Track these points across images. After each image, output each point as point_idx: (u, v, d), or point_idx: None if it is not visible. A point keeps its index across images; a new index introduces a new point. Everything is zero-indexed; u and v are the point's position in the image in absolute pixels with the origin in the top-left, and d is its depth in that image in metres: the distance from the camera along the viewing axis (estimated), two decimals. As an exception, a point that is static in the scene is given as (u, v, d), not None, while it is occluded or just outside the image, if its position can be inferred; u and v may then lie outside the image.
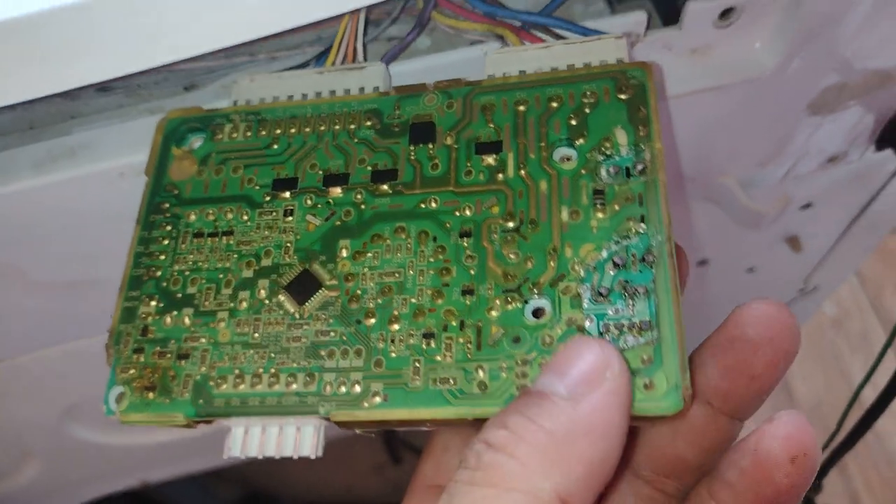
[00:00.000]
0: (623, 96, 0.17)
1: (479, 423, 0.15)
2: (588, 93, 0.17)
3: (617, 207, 0.16)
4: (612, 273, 0.15)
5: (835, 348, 0.70)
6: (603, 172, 0.16)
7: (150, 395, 0.17)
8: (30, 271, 0.24)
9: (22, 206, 0.22)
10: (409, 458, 0.66)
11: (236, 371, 0.16)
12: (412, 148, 0.18)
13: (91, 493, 0.41)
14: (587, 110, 0.17)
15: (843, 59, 0.22)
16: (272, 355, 0.16)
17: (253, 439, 0.16)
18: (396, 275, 0.17)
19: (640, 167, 0.16)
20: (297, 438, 0.16)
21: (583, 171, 0.16)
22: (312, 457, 0.16)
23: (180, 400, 0.16)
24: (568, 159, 0.17)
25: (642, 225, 0.15)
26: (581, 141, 0.17)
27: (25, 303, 0.25)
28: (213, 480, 0.62)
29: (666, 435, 0.17)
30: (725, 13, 0.21)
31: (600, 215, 0.16)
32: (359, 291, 0.17)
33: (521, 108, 0.17)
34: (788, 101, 0.24)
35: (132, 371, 0.17)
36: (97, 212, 0.22)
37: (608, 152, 0.16)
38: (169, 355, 0.17)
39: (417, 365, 0.15)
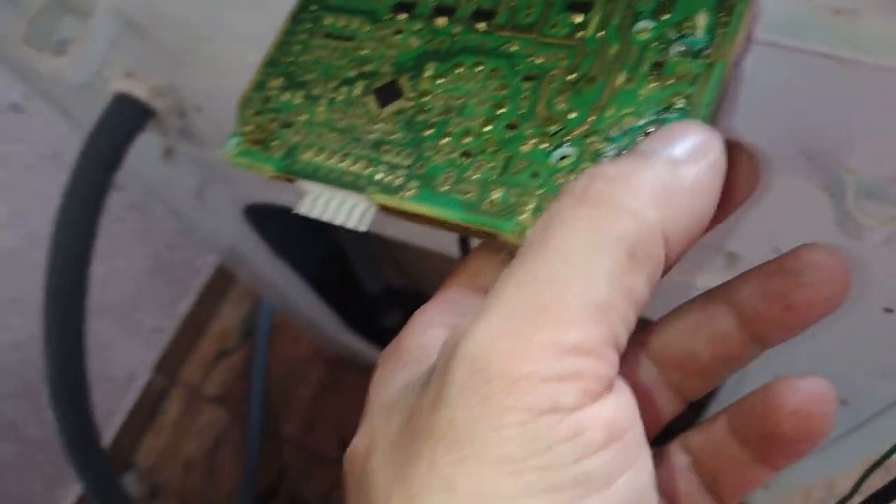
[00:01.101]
0: None
1: (486, 239, 0.17)
2: None
3: (670, 81, 0.16)
4: (641, 141, 0.16)
5: None
6: (673, 49, 0.17)
7: (255, 147, 0.21)
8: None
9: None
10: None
11: (319, 145, 0.20)
12: None
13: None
14: None
15: None
16: (348, 141, 0.20)
17: (318, 204, 0.20)
18: (461, 100, 0.19)
19: (707, 53, 0.16)
20: (350, 211, 0.19)
21: (653, 44, 0.17)
22: (359, 229, 0.19)
23: (274, 157, 0.21)
24: (646, 31, 0.17)
25: (683, 100, 0.16)
26: (665, 16, 0.17)
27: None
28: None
29: (688, 326, 0.17)
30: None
31: (652, 85, 0.16)
32: (428, 107, 0.19)
33: None
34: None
35: (250, 126, 0.21)
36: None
37: (685, 32, 0.17)
38: (277, 122, 0.21)
39: (450, 174, 0.18)
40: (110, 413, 0.74)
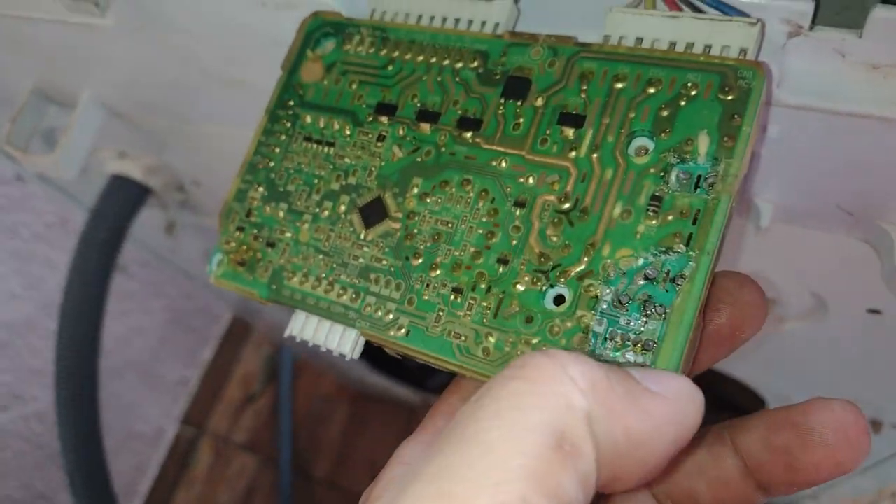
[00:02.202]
0: (723, 97, 0.15)
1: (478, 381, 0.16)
2: (690, 84, 0.16)
3: (670, 218, 0.15)
4: (640, 283, 0.15)
5: None
6: (673, 176, 0.15)
7: (240, 268, 0.20)
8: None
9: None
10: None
11: (305, 270, 0.19)
12: (502, 101, 0.18)
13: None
14: (682, 103, 0.16)
15: None
16: (334, 266, 0.19)
17: (308, 328, 0.19)
18: (450, 224, 0.17)
19: (710, 181, 0.15)
20: (341, 339, 0.19)
21: (651, 170, 0.16)
22: (348, 358, 0.18)
23: (260, 280, 0.20)
24: (644, 152, 0.16)
25: (683, 244, 0.15)
26: (663, 136, 0.16)
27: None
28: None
29: (691, 468, 0.16)
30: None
31: (651, 222, 0.15)
32: (416, 230, 0.18)
33: (619, 85, 0.17)
34: None
35: (233, 244, 0.20)
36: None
37: (685, 156, 0.15)
38: (261, 240, 0.20)
39: (441, 314, 0.17)
40: (142, 469, 0.74)
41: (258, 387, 0.79)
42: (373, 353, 0.68)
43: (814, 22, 0.18)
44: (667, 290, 0.14)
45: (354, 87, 0.20)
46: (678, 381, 0.12)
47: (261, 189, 0.20)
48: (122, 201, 0.38)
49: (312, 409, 0.78)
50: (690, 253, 0.14)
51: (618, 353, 0.14)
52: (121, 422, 0.71)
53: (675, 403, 0.12)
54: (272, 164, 0.20)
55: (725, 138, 0.15)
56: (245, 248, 0.20)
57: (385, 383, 0.68)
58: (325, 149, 0.20)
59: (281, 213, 0.20)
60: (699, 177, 0.15)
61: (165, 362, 0.74)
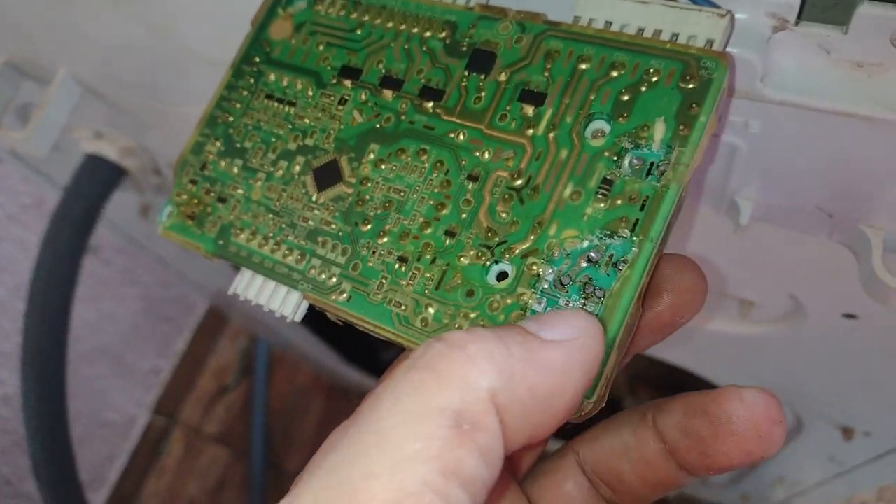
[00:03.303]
0: (684, 85, 0.15)
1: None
2: (652, 70, 0.16)
3: (618, 203, 0.15)
4: (583, 265, 0.15)
5: None
6: (626, 161, 0.15)
7: (189, 222, 0.20)
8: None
9: None
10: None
11: (253, 227, 0.19)
12: (466, 73, 0.18)
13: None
14: (643, 88, 0.16)
15: None
16: (283, 226, 0.19)
17: (253, 287, 0.19)
18: (402, 193, 0.17)
19: (661, 168, 0.15)
20: (284, 300, 0.19)
21: (605, 154, 0.15)
22: (289, 319, 0.18)
23: (207, 235, 0.20)
24: (601, 135, 0.16)
25: (627, 229, 0.15)
26: (621, 120, 0.16)
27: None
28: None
29: (616, 447, 0.16)
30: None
31: (600, 205, 0.15)
32: (367, 196, 0.18)
33: (583, 66, 0.16)
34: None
35: (184, 196, 0.20)
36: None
37: (640, 142, 0.15)
38: (213, 194, 0.20)
39: (384, 281, 0.17)
40: (111, 457, 0.73)
41: (232, 378, 0.78)
42: (348, 346, 0.67)
43: (799, 17, 0.18)
44: (608, 275, 0.14)
45: (321, 48, 0.20)
46: (571, 319, 0.12)
47: (218, 143, 0.20)
48: (96, 181, 0.37)
49: (287, 402, 0.77)
50: (634, 238, 0.14)
51: None
52: (91, 409, 0.70)
53: (572, 345, 0.12)
54: (231, 119, 0.20)
55: (681, 127, 0.15)
56: (196, 201, 0.20)
57: (361, 377, 0.68)
58: (286, 108, 0.20)
59: (235, 169, 0.20)
60: (652, 164, 0.15)
61: (138, 350, 0.73)
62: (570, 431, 0.15)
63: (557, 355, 0.12)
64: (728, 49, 0.17)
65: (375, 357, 0.66)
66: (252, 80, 0.20)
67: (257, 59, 0.21)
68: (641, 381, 0.57)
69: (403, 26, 0.19)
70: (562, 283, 0.15)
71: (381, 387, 0.12)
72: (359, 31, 0.19)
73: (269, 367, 0.76)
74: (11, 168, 0.59)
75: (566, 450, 0.17)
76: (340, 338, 0.62)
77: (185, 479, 0.74)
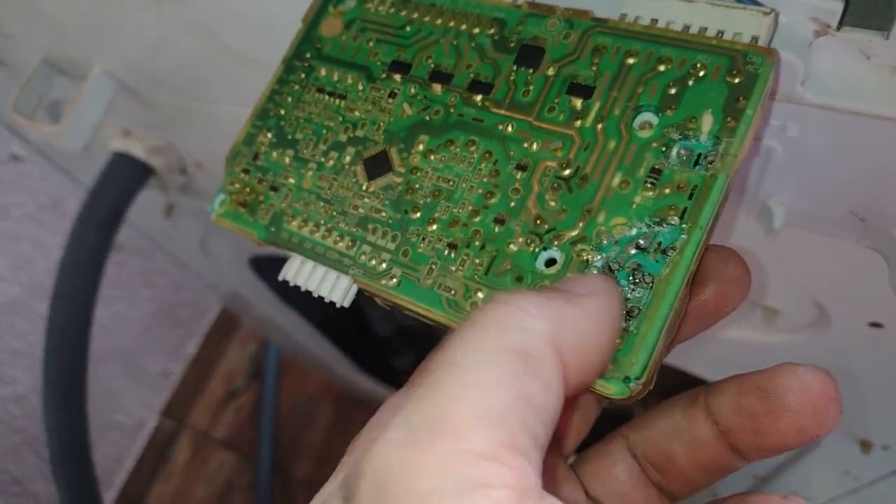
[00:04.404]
0: (730, 79, 0.16)
1: None
2: (699, 64, 0.16)
3: (667, 191, 0.15)
4: (632, 252, 0.15)
5: None
6: (674, 152, 0.15)
7: (241, 209, 0.20)
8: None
9: None
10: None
11: (305, 215, 0.19)
12: (515, 68, 0.18)
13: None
14: (690, 82, 0.16)
15: None
16: (334, 213, 0.19)
17: (302, 273, 0.19)
18: (451, 182, 0.18)
19: (709, 159, 0.15)
20: (334, 286, 0.19)
21: (653, 144, 0.16)
22: (338, 304, 0.19)
23: (260, 222, 0.20)
24: (648, 126, 0.16)
25: (677, 216, 0.15)
26: (668, 112, 0.16)
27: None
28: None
29: (667, 428, 0.16)
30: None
31: (648, 194, 0.15)
32: (417, 185, 0.18)
33: (630, 60, 0.17)
34: None
35: (237, 185, 0.21)
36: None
37: (688, 133, 0.15)
38: (265, 183, 0.20)
39: (433, 267, 0.17)
40: (119, 459, 0.73)
41: (241, 383, 0.78)
42: (359, 353, 0.67)
43: (841, 22, 0.18)
44: (656, 261, 0.15)
45: (371, 44, 0.20)
46: (594, 279, 0.14)
47: (269, 135, 0.21)
48: (123, 180, 0.38)
49: (296, 408, 0.77)
50: (683, 226, 0.15)
51: None
52: (100, 411, 0.70)
53: (600, 296, 0.13)
54: (283, 111, 0.21)
55: (729, 119, 0.15)
56: (248, 189, 0.20)
57: (371, 385, 0.68)
58: (337, 101, 0.20)
59: (287, 160, 0.20)
60: (699, 154, 0.15)
61: (149, 353, 0.74)
62: (619, 418, 0.15)
63: (589, 302, 0.13)
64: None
65: (387, 365, 0.66)
66: (303, 75, 0.21)
67: (308, 55, 0.21)
68: (657, 390, 0.57)
69: (452, 23, 0.19)
70: (611, 269, 0.15)
71: (440, 344, 0.12)
72: (408, 28, 0.20)
73: (279, 372, 0.76)
74: (31, 167, 0.59)
75: (616, 435, 0.17)
76: (355, 345, 0.62)
77: (192, 483, 0.74)
